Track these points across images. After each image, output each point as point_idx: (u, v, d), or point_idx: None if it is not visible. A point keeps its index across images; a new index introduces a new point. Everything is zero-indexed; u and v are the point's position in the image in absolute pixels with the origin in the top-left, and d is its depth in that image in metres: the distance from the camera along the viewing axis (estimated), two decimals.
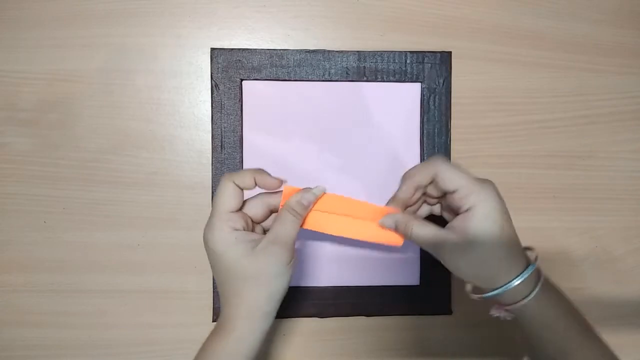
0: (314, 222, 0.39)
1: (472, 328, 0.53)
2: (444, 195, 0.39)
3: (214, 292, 0.50)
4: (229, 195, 0.37)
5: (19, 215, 0.49)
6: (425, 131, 0.50)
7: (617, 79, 0.53)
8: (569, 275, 0.53)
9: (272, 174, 0.39)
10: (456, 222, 0.37)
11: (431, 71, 0.50)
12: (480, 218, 0.35)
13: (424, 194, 0.40)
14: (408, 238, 0.38)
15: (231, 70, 0.49)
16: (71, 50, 0.49)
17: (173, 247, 0.50)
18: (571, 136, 0.53)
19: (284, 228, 0.37)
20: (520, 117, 0.52)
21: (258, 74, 0.49)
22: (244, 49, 0.49)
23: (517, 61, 0.52)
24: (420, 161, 0.51)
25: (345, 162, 0.51)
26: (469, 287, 0.40)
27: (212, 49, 0.49)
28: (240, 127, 0.49)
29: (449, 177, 0.37)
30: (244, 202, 0.39)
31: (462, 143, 0.52)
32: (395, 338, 0.52)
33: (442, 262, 0.38)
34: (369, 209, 0.40)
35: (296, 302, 0.50)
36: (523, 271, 0.36)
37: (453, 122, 0.51)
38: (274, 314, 0.37)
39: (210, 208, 0.48)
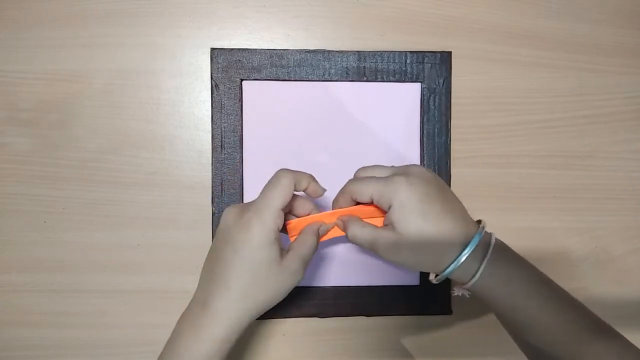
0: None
1: (472, 328, 0.53)
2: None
3: None
4: (287, 192, 0.37)
5: (19, 215, 0.49)
6: (425, 131, 0.50)
7: (617, 79, 0.53)
8: (569, 275, 0.53)
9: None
10: (386, 221, 0.38)
11: (431, 71, 0.50)
12: (397, 212, 0.36)
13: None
14: (347, 238, 0.39)
15: (231, 70, 0.49)
16: (71, 50, 0.49)
17: (173, 247, 0.50)
18: (571, 136, 0.53)
19: (307, 249, 0.38)
20: (520, 117, 0.52)
21: (258, 74, 0.49)
22: (244, 49, 0.49)
23: (517, 61, 0.52)
24: (420, 161, 0.51)
25: (345, 162, 0.50)
26: (432, 275, 0.40)
27: (212, 49, 0.49)
28: (240, 127, 0.49)
29: (361, 192, 0.38)
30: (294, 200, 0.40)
31: (462, 143, 0.52)
32: (395, 338, 0.52)
33: (384, 259, 0.38)
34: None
35: (296, 302, 0.50)
36: (460, 253, 0.36)
37: (453, 122, 0.51)
38: (254, 318, 0.37)
39: (211, 207, 0.49)
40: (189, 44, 0.50)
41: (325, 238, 0.41)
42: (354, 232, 0.39)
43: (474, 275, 0.36)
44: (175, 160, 0.50)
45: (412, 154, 0.51)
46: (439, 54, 0.50)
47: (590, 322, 0.37)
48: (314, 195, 0.39)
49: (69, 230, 0.49)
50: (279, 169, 0.38)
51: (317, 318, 0.51)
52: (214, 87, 0.49)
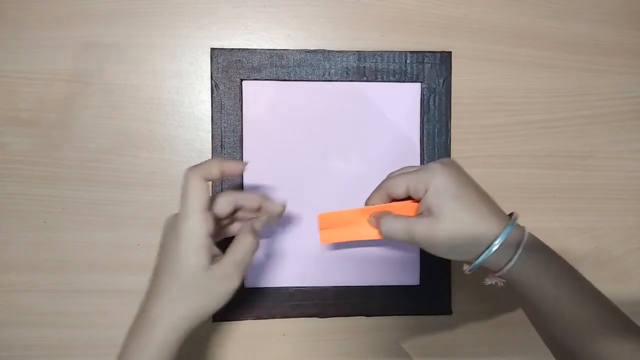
0: (327, 237, 0.43)
1: (472, 328, 0.53)
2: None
3: None
4: (200, 191, 0.36)
5: (19, 215, 0.49)
6: (425, 131, 0.50)
7: (617, 79, 0.53)
8: None
9: (269, 180, 0.41)
10: (420, 209, 0.39)
11: (431, 71, 0.50)
12: (433, 196, 0.37)
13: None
14: (381, 234, 0.40)
15: (231, 70, 0.49)
16: (71, 50, 0.49)
17: None
18: (571, 136, 0.53)
19: (244, 252, 0.37)
20: (520, 117, 0.52)
21: (258, 74, 0.49)
22: (244, 49, 0.49)
23: (517, 61, 0.52)
24: (420, 162, 0.51)
25: (345, 162, 0.51)
26: (465, 266, 0.40)
27: (212, 49, 0.49)
28: (240, 127, 0.49)
29: (396, 186, 0.39)
30: (212, 198, 0.38)
31: (462, 143, 0.52)
32: (395, 338, 0.52)
33: (420, 247, 0.39)
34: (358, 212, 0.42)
35: (296, 302, 0.50)
36: (496, 238, 0.36)
37: (453, 122, 0.51)
38: (192, 329, 0.37)
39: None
40: (189, 44, 0.50)
41: (353, 238, 0.42)
42: (387, 225, 0.39)
43: (509, 262, 0.36)
44: (175, 160, 0.50)
45: (412, 154, 0.51)
46: (439, 54, 0.50)
47: (619, 321, 0.37)
48: (235, 173, 0.38)
49: (69, 230, 0.49)
50: (186, 169, 0.37)
51: (317, 318, 0.51)
52: (214, 87, 0.49)
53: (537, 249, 0.38)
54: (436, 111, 0.51)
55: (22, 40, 0.49)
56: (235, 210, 0.40)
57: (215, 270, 0.36)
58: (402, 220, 0.38)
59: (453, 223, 0.36)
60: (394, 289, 0.51)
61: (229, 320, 0.50)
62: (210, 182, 0.41)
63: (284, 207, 0.41)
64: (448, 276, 0.51)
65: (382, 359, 0.52)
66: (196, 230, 0.35)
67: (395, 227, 0.38)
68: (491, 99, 0.52)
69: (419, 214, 0.39)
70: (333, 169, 0.50)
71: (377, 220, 0.40)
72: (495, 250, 0.36)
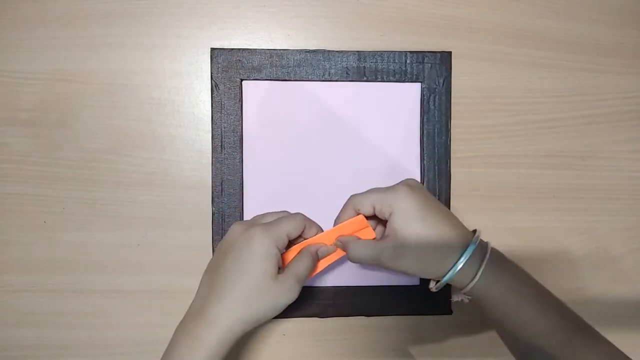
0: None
1: (472, 328, 0.53)
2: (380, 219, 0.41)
3: None
4: (297, 225, 0.39)
5: (19, 215, 0.49)
6: (425, 131, 0.50)
7: (617, 79, 0.53)
8: (569, 275, 0.53)
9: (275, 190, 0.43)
10: (386, 232, 0.39)
11: (431, 71, 0.50)
12: (399, 219, 0.38)
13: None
14: (349, 258, 0.41)
15: (231, 70, 0.49)
16: (71, 50, 0.49)
17: (173, 247, 0.50)
18: (571, 136, 0.53)
19: (304, 270, 0.39)
20: (520, 117, 0.52)
21: (258, 74, 0.49)
22: (244, 49, 0.49)
23: (517, 61, 0.52)
24: (420, 161, 0.51)
25: (345, 162, 0.51)
26: (431, 283, 0.42)
27: (212, 49, 0.49)
28: (240, 127, 0.49)
29: (363, 204, 0.40)
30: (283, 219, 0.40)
31: (462, 143, 0.52)
32: (395, 338, 0.52)
33: (388, 269, 0.40)
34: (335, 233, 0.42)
35: (296, 302, 0.50)
36: (458, 259, 0.37)
37: (453, 122, 0.51)
38: (245, 331, 0.38)
39: (211, 207, 0.49)
40: (189, 44, 0.50)
41: (326, 263, 0.42)
42: (355, 251, 0.40)
43: (472, 279, 0.38)
44: (175, 160, 0.50)
45: (412, 154, 0.51)
46: (439, 54, 0.50)
47: (580, 327, 0.38)
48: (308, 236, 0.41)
49: (69, 230, 0.49)
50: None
51: (317, 318, 0.51)
52: (214, 87, 0.49)
53: (500, 264, 0.39)
54: (436, 111, 0.51)
55: (22, 40, 0.49)
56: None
57: (281, 280, 0.37)
58: (370, 245, 0.40)
59: (418, 245, 0.38)
60: (394, 289, 0.51)
61: None
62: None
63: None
64: None
65: (382, 359, 0.52)
66: (273, 239, 0.37)
67: (363, 251, 0.40)
68: (491, 99, 0.52)
69: (385, 236, 0.39)
70: (333, 169, 0.50)
71: (344, 245, 0.41)
72: (460, 269, 0.37)
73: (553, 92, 0.52)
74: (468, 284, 0.38)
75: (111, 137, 0.49)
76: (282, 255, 0.40)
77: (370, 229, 0.42)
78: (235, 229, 0.40)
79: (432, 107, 0.51)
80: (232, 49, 0.49)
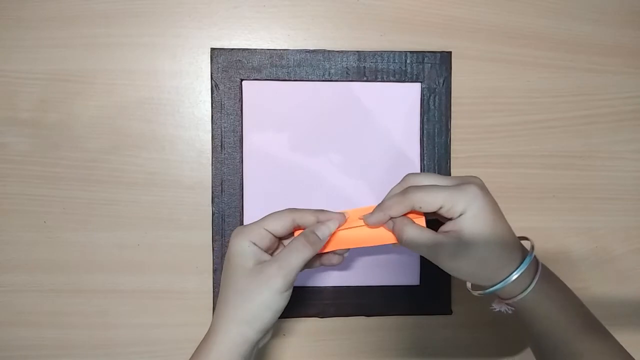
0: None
1: (472, 328, 0.53)
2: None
3: (214, 292, 0.50)
4: (278, 220, 0.38)
5: (19, 215, 0.49)
6: (425, 131, 0.50)
7: (617, 79, 0.53)
8: (569, 275, 0.53)
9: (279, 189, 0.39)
10: (448, 227, 0.37)
11: (431, 71, 0.50)
12: (470, 221, 0.36)
13: None
14: (401, 242, 0.37)
15: (231, 70, 0.49)
16: (71, 50, 0.49)
17: (173, 247, 0.50)
18: (571, 136, 0.53)
19: (290, 256, 0.36)
20: (520, 117, 0.52)
21: (258, 74, 0.49)
22: (244, 49, 0.49)
23: (517, 61, 0.52)
24: (420, 161, 0.51)
25: (345, 162, 0.51)
26: (469, 284, 0.40)
27: (212, 49, 0.49)
28: (240, 127, 0.49)
29: (428, 201, 0.36)
30: (269, 215, 0.39)
31: (462, 143, 0.52)
32: (395, 338, 0.52)
33: (439, 265, 0.37)
34: (357, 215, 0.39)
35: (296, 302, 0.50)
36: (520, 264, 0.36)
37: (453, 122, 0.51)
38: (255, 341, 0.37)
39: (211, 208, 0.49)
40: (189, 44, 0.50)
41: (356, 245, 0.39)
42: (413, 234, 0.36)
43: (524, 290, 0.37)
44: (175, 160, 0.50)
45: (412, 154, 0.51)
46: (439, 54, 0.50)
47: (620, 355, 0.38)
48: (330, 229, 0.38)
49: (69, 230, 0.49)
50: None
51: (317, 318, 0.51)
52: (214, 87, 0.49)
53: (550, 278, 0.39)
54: (436, 111, 0.51)
55: (22, 40, 0.49)
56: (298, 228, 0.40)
57: (258, 272, 0.36)
58: (430, 234, 0.37)
59: (483, 252, 0.36)
60: (394, 289, 0.51)
61: None
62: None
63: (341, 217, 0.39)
64: (448, 276, 0.51)
65: (382, 359, 0.52)
66: (241, 236, 0.37)
67: (421, 238, 0.36)
68: (491, 99, 0.52)
69: (447, 231, 0.37)
70: (333, 169, 0.50)
71: (399, 227, 0.37)
72: (514, 279, 0.36)
73: (553, 92, 0.52)
74: (518, 295, 0.37)
75: (111, 137, 0.49)
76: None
77: (424, 218, 0.38)
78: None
79: (432, 107, 0.51)
80: (232, 49, 0.49)
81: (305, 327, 0.51)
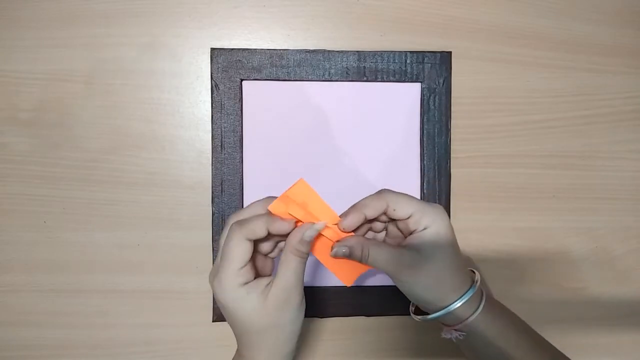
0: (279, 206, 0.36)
1: None
2: (391, 221, 0.39)
3: None
4: (240, 253, 0.34)
5: (19, 215, 0.49)
6: (425, 131, 0.50)
7: (617, 79, 0.53)
8: (569, 275, 0.53)
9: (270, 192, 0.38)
10: (410, 240, 0.38)
11: (431, 71, 0.50)
12: (434, 235, 0.37)
13: (371, 221, 0.40)
14: (364, 262, 0.37)
15: (231, 70, 0.49)
16: (71, 50, 0.49)
17: (173, 247, 0.50)
18: (571, 136, 0.53)
19: (291, 272, 0.35)
20: (520, 117, 0.52)
21: (258, 74, 0.49)
22: (244, 49, 0.49)
23: (517, 61, 0.52)
24: (420, 161, 0.51)
25: (345, 162, 0.51)
26: (412, 308, 0.42)
27: (212, 49, 0.49)
28: (240, 127, 0.49)
29: (402, 206, 0.37)
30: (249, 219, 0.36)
31: (462, 143, 0.52)
32: (395, 338, 0.52)
33: (395, 282, 0.38)
34: (329, 214, 0.37)
35: None
36: (466, 292, 0.37)
37: (453, 122, 0.51)
38: (294, 351, 0.38)
39: (211, 207, 0.49)
40: (189, 44, 0.50)
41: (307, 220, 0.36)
42: (375, 254, 0.37)
43: (473, 312, 0.37)
44: (175, 160, 0.50)
45: (412, 154, 0.51)
46: (439, 54, 0.50)
47: None
48: (284, 232, 0.35)
49: (69, 230, 0.49)
50: (233, 222, 0.36)
51: (317, 318, 0.51)
52: (214, 87, 0.49)
53: (493, 305, 0.39)
54: (436, 111, 0.51)
55: (22, 40, 0.49)
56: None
57: (271, 301, 0.35)
58: (389, 249, 0.37)
59: (440, 267, 0.37)
60: (394, 289, 0.51)
61: None
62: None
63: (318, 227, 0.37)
64: None
65: (382, 359, 0.52)
66: (232, 284, 0.35)
67: (383, 255, 0.37)
68: (491, 99, 0.52)
69: (407, 244, 0.37)
70: (333, 169, 0.50)
71: (361, 248, 0.37)
72: (458, 307, 0.37)
73: (553, 92, 0.52)
74: (463, 321, 0.37)
75: (111, 137, 0.49)
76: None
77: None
78: (209, 280, 0.37)
79: (432, 107, 0.51)
80: (232, 49, 0.49)
81: (305, 327, 0.51)
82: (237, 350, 0.38)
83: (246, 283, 0.35)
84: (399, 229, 0.39)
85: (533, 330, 0.40)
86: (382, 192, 0.38)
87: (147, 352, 0.50)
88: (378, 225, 0.40)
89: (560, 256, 0.53)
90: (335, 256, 0.37)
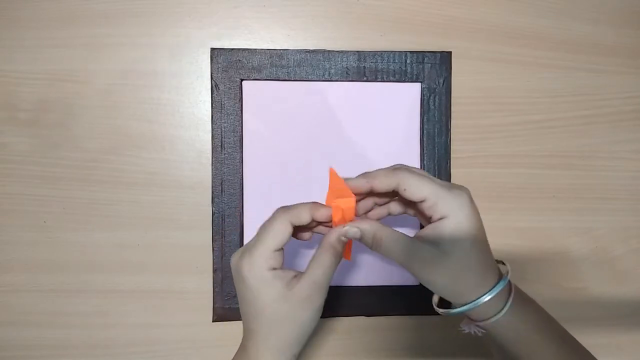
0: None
1: None
2: (411, 204, 0.37)
3: (214, 292, 0.50)
4: (281, 234, 0.34)
5: (19, 215, 0.49)
6: (425, 131, 0.50)
7: (617, 79, 0.53)
8: (569, 275, 0.53)
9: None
10: (427, 232, 0.34)
11: (431, 71, 0.50)
12: (453, 227, 0.33)
13: (382, 196, 0.38)
14: (376, 250, 0.35)
15: (231, 70, 0.49)
16: (71, 50, 0.49)
17: (173, 247, 0.50)
18: (571, 136, 0.53)
19: (322, 271, 0.34)
20: (520, 117, 0.52)
21: (258, 74, 0.49)
22: (244, 49, 0.49)
23: (517, 61, 0.52)
24: (420, 161, 0.51)
25: (345, 162, 0.50)
26: (435, 299, 0.39)
27: (212, 49, 0.49)
28: (240, 127, 0.49)
29: (414, 187, 0.34)
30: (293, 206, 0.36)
31: (462, 143, 0.52)
32: (395, 338, 0.52)
33: (412, 274, 0.35)
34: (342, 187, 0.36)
35: None
36: (494, 286, 0.34)
37: (453, 122, 0.51)
38: (297, 355, 0.36)
39: (211, 207, 0.49)
40: (189, 44, 0.50)
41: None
42: (389, 244, 0.34)
43: (496, 314, 0.34)
44: (175, 160, 0.50)
45: (412, 154, 0.51)
46: (439, 54, 0.50)
47: None
48: (327, 219, 0.36)
49: (69, 230, 0.49)
50: (278, 208, 0.35)
51: None
52: (214, 87, 0.49)
53: (522, 301, 0.36)
54: (436, 111, 0.51)
55: (22, 40, 0.49)
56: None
57: (295, 294, 0.34)
58: (404, 240, 0.34)
59: (460, 265, 0.33)
60: (394, 289, 0.51)
61: (229, 320, 0.50)
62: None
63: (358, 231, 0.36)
64: None
65: (382, 359, 0.52)
66: (261, 266, 0.34)
67: (397, 246, 0.34)
68: (491, 99, 0.52)
69: (422, 235, 0.35)
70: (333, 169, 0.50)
71: (373, 235, 0.35)
72: (486, 301, 0.34)
73: (553, 92, 0.52)
74: (490, 318, 0.34)
75: (111, 137, 0.49)
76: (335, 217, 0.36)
77: (354, 199, 0.36)
78: (232, 262, 0.36)
79: (432, 107, 0.51)
80: (232, 49, 0.49)
81: None
82: (242, 343, 0.36)
83: (274, 269, 0.34)
84: (420, 212, 0.35)
85: (564, 331, 0.37)
86: (396, 167, 0.35)
87: (147, 352, 0.50)
88: (394, 207, 0.38)
89: (560, 256, 0.53)
90: (346, 235, 0.35)
